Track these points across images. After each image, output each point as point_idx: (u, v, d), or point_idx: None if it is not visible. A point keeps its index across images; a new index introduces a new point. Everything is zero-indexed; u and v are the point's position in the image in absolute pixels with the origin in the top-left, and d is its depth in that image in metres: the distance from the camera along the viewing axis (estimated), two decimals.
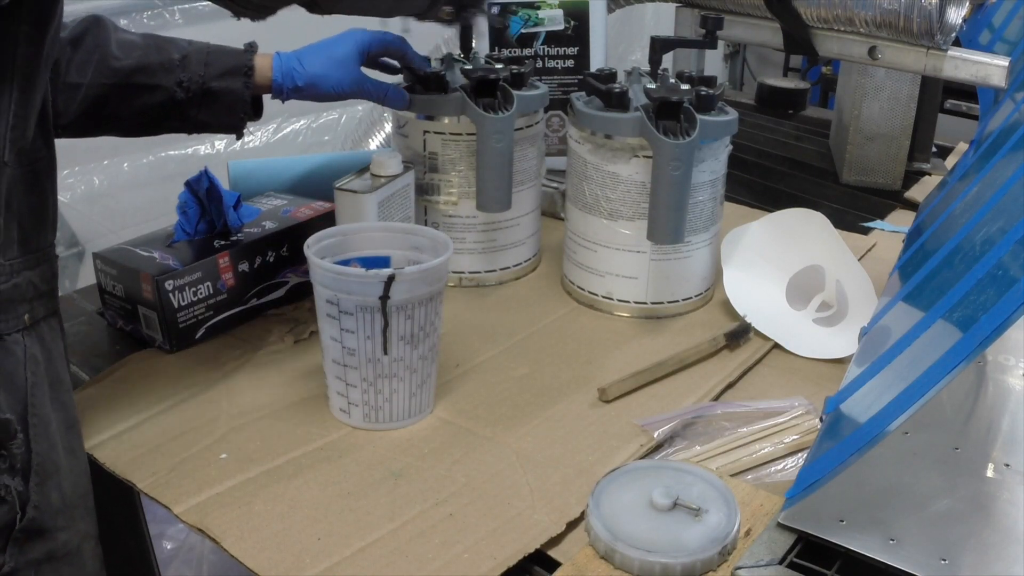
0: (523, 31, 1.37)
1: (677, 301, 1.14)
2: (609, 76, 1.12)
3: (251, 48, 1.03)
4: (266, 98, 1.06)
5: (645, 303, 1.13)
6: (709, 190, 1.10)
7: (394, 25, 1.09)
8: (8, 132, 0.65)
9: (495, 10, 1.33)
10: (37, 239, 0.71)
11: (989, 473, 0.76)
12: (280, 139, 2.20)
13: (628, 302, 1.14)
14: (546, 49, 1.38)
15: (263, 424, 0.93)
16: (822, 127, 1.88)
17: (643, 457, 0.88)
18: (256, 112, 1.06)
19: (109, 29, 0.97)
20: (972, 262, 0.84)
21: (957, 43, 1.29)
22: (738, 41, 2.71)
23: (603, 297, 1.15)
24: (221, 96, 0.99)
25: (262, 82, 1.02)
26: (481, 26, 1.34)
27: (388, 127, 1.63)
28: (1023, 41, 1.44)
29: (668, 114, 1.02)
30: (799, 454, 0.88)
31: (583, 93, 1.14)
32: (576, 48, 1.39)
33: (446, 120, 1.13)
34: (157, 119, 1.00)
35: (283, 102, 1.05)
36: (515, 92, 1.11)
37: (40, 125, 0.70)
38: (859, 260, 1.18)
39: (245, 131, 1.05)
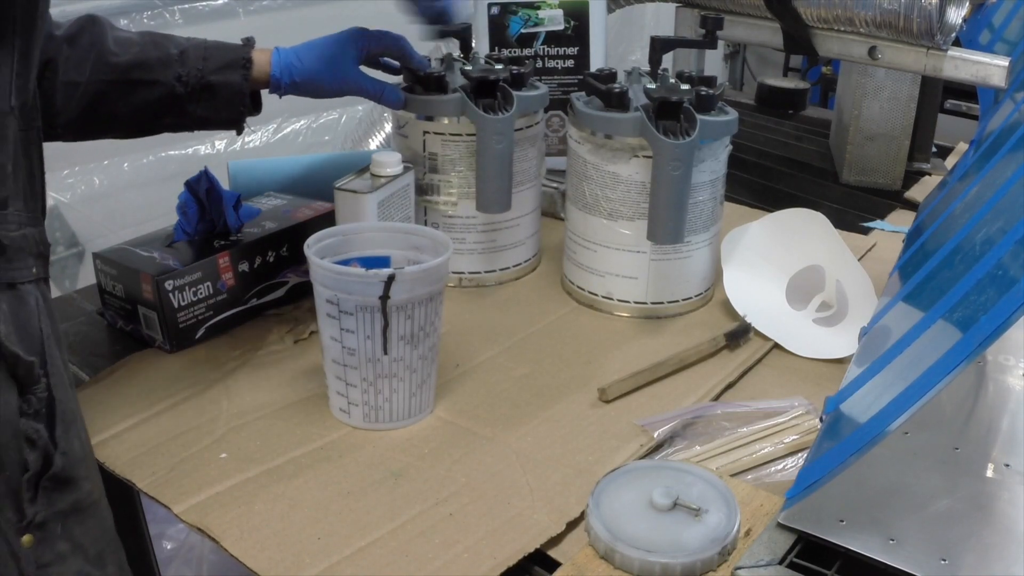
0: (523, 31, 1.37)
1: (677, 301, 1.14)
2: (609, 76, 1.12)
3: (249, 43, 1.03)
4: (266, 98, 1.06)
5: (645, 303, 1.13)
6: (709, 190, 1.10)
7: (394, 26, 1.09)
8: (14, 79, 0.66)
9: (495, 10, 1.33)
10: (32, 202, 0.71)
11: (989, 473, 0.76)
12: (280, 139, 2.19)
13: (628, 302, 1.14)
14: (546, 49, 1.38)
15: (263, 424, 0.93)
16: (822, 127, 1.88)
17: (643, 457, 0.88)
18: (255, 107, 1.05)
19: (105, 27, 0.97)
20: (972, 262, 0.84)
21: (957, 43, 1.29)
22: (738, 41, 2.71)
23: (603, 297, 1.15)
24: (220, 90, 0.99)
25: (260, 76, 1.02)
26: (481, 26, 1.34)
27: (388, 127, 1.63)
28: (1023, 41, 1.44)
29: (668, 114, 1.02)
30: (799, 454, 0.88)
31: (583, 93, 1.14)
32: (576, 48, 1.39)
33: (446, 121, 1.13)
34: (156, 116, 0.99)
35: (280, 97, 1.05)
36: (515, 93, 1.11)
37: (33, 96, 0.70)
38: (859, 260, 1.18)
39: (245, 128, 1.05)
